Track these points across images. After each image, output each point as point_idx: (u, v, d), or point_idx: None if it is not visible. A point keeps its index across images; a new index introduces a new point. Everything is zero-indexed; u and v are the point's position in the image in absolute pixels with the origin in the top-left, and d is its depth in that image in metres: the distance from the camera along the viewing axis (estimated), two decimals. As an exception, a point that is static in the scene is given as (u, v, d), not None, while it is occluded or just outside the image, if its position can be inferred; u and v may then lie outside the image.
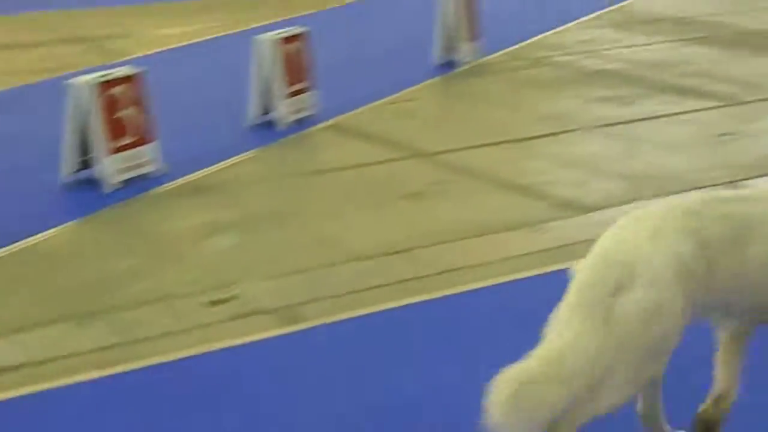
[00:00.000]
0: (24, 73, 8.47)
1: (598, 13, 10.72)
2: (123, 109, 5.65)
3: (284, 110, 6.76)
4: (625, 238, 2.74)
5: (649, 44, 9.25)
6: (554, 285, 3.77)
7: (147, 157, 5.81)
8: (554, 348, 2.62)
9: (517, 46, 9.16)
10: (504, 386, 2.54)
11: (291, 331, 3.96)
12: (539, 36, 9.58)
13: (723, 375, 2.95)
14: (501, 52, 8.89)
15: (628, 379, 2.67)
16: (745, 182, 5.65)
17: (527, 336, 2.58)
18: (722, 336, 2.98)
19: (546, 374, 2.59)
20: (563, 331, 2.63)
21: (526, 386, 2.56)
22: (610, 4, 11.09)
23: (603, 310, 2.63)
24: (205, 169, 5.98)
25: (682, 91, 7.60)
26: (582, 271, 2.71)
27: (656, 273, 2.65)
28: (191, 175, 5.89)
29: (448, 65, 8.31)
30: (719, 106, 7.21)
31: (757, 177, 5.73)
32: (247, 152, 6.30)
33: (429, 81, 8.02)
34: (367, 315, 4.06)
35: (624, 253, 2.69)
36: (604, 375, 2.63)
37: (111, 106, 5.62)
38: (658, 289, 2.64)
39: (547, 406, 2.60)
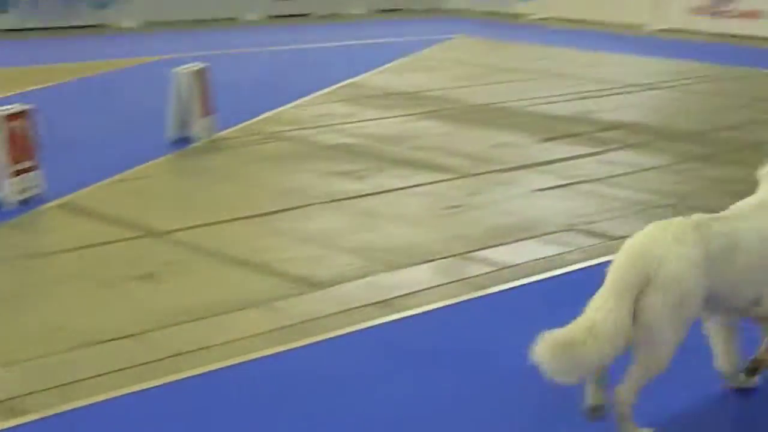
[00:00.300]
0: None
1: (332, 88, 10.87)
2: None
3: (9, 190, 6.47)
4: (655, 239, 3.61)
5: (382, 119, 9.42)
6: (291, 363, 3.71)
7: None
8: (589, 319, 3.44)
9: (251, 121, 9.15)
10: (546, 346, 3.36)
11: (12, 425, 3.72)
12: (274, 111, 9.61)
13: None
14: (236, 128, 8.85)
15: (668, 351, 3.55)
16: (476, 253, 5.79)
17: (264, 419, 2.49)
18: (711, 327, 4.00)
19: (580, 338, 3.40)
20: (599, 308, 3.46)
21: (565, 347, 3.38)
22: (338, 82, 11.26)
23: (633, 295, 3.48)
24: None
25: (415, 165, 7.76)
26: (617, 263, 3.57)
27: (680, 268, 3.53)
28: None
29: (182, 141, 8.20)
30: (450, 179, 7.40)
31: (488, 248, 5.88)
32: (-32, 235, 5.99)
33: (162, 158, 7.87)
34: (95, 404, 3.87)
35: (655, 250, 3.55)
36: (648, 348, 3.52)
37: None
38: (680, 282, 3.52)
39: (582, 363, 3.41)
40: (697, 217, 3.76)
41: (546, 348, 3.36)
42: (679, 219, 3.74)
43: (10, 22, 14.92)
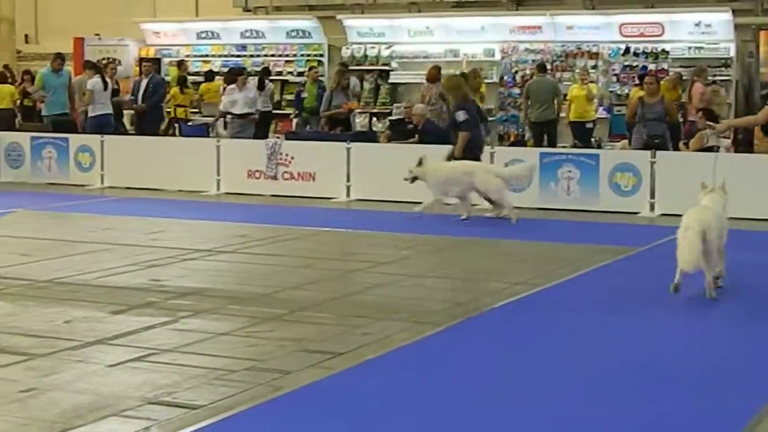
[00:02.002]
0: None
1: None
2: None
3: None
4: (703, 212, 9.19)
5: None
6: None
7: None
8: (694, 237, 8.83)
9: None
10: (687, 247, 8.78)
11: None
12: None
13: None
14: None
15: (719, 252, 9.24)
16: (55, 437, 5.60)
17: None
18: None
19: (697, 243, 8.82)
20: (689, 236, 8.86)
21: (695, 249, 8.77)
22: None
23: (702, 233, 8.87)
24: None
25: (-19, 349, 7.42)
26: (687, 221, 8.99)
27: (717, 223, 9.18)
28: None
29: None
30: (20, 361, 7.13)
31: (69, 429, 5.71)
32: None
33: None
34: None
35: (706, 215, 9.13)
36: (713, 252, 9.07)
37: None
38: (719, 229, 9.21)
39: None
40: (700, 208, 9.35)
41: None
42: (702, 206, 9.37)
43: None
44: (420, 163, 14.50)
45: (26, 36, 34.60)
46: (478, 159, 15.00)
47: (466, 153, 14.82)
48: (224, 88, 21.37)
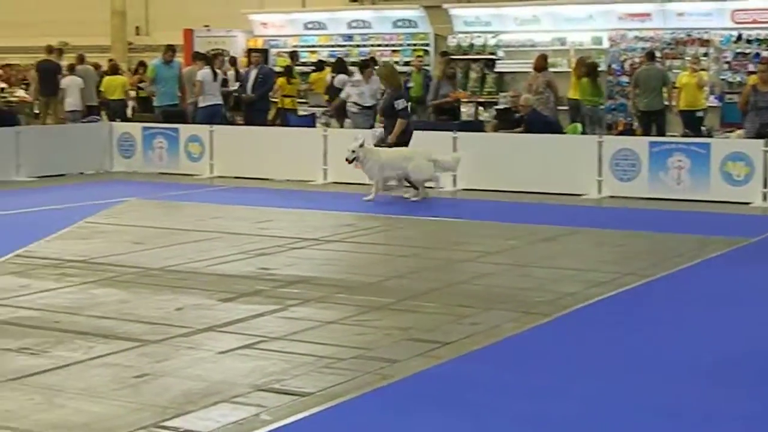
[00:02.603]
0: None
1: (2, 259, 10.47)
2: None
3: None
4: None
5: (57, 289, 9.17)
6: None
7: None
8: None
9: None
10: None
11: None
12: (-60, 288, 9.14)
13: None
14: None
15: None
16: (168, 422, 5.70)
17: None
18: None
19: None
20: None
21: None
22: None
23: None
24: None
25: (96, 335, 7.58)
26: None
27: None
28: None
29: None
30: (133, 347, 7.27)
31: (179, 416, 5.81)
32: None
33: None
34: None
35: None
36: None
37: None
38: None
39: None
40: None
41: None
42: None
43: None
44: (361, 145, 14.99)
45: (137, 28, 35.27)
46: (407, 145, 15.64)
47: (399, 138, 15.44)
48: (333, 78, 21.50)
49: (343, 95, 20.03)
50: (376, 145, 15.52)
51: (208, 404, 6.03)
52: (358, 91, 19.54)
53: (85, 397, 6.16)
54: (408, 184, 15.45)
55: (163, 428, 5.63)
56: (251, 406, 6.00)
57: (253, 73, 20.95)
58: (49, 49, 22.52)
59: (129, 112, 23.16)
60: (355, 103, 19.60)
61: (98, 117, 22.06)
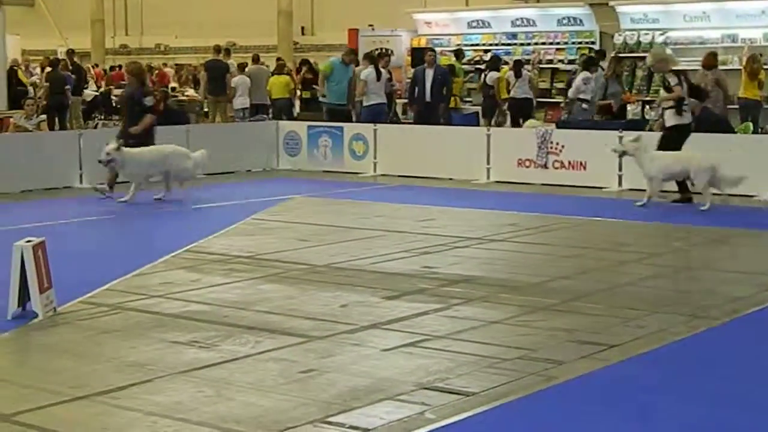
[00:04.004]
0: None
1: (172, 254, 10.76)
2: None
3: None
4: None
5: (226, 284, 9.38)
6: None
7: None
8: None
9: (92, 293, 8.95)
10: None
11: None
12: (116, 281, 9.43)
13: None
14: (76, 301, 8.65)
15: None
16: (333, 417, 5.76)
17: None
18: None
19: None
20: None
21: None
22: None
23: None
24: None
25: (263, 330, 7.72)
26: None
27: None
28: None
29: (22, 318, 7.96)
30: (300, 343, 7.37)
31: (343, 412, 5.86)
32: None
33: (1, 336, 7.62)
34: None
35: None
36: None
37: None
38: None
39: None
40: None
41: None
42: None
43: None
44: (118, 148, 14.61)
45: (302, 28, 35.85)
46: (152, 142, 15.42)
47: (148, 137, 15.33)
48: (485, 75, 21.37)
49: (570, 93, 19.87)
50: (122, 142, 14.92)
51: (373, 401, 6.07)
52: (590, 87, 19.36)
53: (253, 391, 6.28)
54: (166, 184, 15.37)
55: (328, 424, 5.70)
56: (415, 404, 6.01)
57: (430, 73, 20.71)
58: (218, 49, 23.08)
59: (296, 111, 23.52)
60: (582, 100, 19.47)
61: (265, 116, 22.48)
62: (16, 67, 23.51)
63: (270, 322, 7.96)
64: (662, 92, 15.37)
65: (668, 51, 17.40)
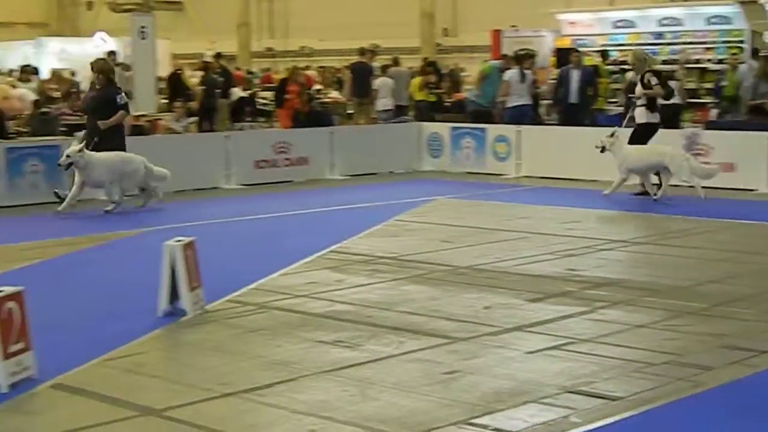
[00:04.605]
0: None
1: (317, 255, 10.89)
2: None
3: (2, 373, 6.39)
4: None
5: (370, 284, 9.44)
6: None
7: None
8: None
9: (238, 292, 9.13)
10: None
11: None
12: (261, 280, 9.59)
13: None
14: (224, 299, 8.83)
15: None
16: (477, 419, 5.75)
17: None
18: None
19: None
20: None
21: None
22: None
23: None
24: None
25: (406, 331, 7.75)
26: None
27: None
28: None
29: (172, 315, 8.16)
30: (443, 344, 7.38)
31: (487, 414, 5.84)
32: (-39, 421, 5.89)
33: (153, 333, 7.83)
34: None
35: None
36: None
37: None
38: None
39: None
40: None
41: None
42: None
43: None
44: (81, 149, 13.95)
45: (445, 29, 35.86)
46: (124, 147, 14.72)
47: (118, 141, 14.64)
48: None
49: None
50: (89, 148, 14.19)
51: (517, 404, 6.04)
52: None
53: (397, 391, 6.31)
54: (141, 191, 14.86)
55: (472, 425, 5.69)
56: (560, 407, 5.96)
57: (575, 74, 20.44)
58: (362, 51, 23.24)
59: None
60: None
61: (408, 117, 22.57)
62: (179, 71, 24.12)
63: (413, 323, 7.99)
64: (639, 89, 15.83)
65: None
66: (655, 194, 15.27)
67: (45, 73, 26.33)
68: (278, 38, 41.19)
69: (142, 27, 21.29)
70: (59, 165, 14.22)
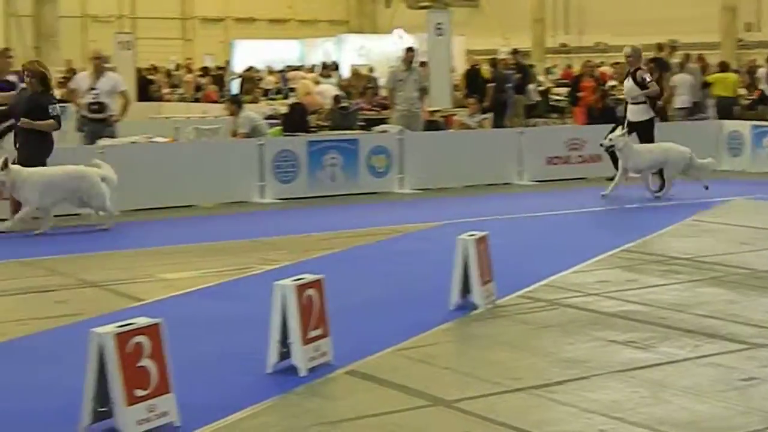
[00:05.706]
0: (40, 319, 8.43)
1: (611, 253, 10.77)
2: (142, 359, 5.57)
3: (302, 357, 6.68)
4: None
5: (663, 285, 9.25)
6: None
7: (164, 408, 5.68)
8: None
9: (530, 288, 9.15)
10: None
11: None
12: (553, 277, 9.58)
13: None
14: (514, 295, 8.87)
15: None
16: (775, 430, 5.54)
17: None
18: None
19: None
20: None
21: None
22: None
23: None
24: (223, 419, 5.86)
25: (701, 334, 7.55)
26: None
27: None
28: (208, 426, 5.76)
29: (463, 308, 8.27)
30: (740, 350, 7.14)
31: (787, 424, 5.62)
32: (266, 401, 6.19)
33: (444, 325, 7.97)
34: None
35: None
36: None
37: (131, 355, 5.53)
38: None
39: None
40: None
41: None
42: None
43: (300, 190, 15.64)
44: (4, 165, 11.99)
45: (747, 24, 34.54)
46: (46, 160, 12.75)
47: (45, 155, 12.76)
48: None
49: None
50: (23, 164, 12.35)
51: (820, 415, 5.77)
52: None
53: (690, 395, 6.17)
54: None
55: (770, 435, 5.49)
56: None
57: None
58: (660, 47, 22.75)
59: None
60: None
61: (706, 114, 21.93)
62: (477, 66, 24.51)
63: (709, 326, 7.77)
64: (629, 84, 15.73)
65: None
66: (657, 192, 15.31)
67: (345, 69, 27.25)
68: (573, 34, 40.92)
69: (439, 24, 21.69)
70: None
